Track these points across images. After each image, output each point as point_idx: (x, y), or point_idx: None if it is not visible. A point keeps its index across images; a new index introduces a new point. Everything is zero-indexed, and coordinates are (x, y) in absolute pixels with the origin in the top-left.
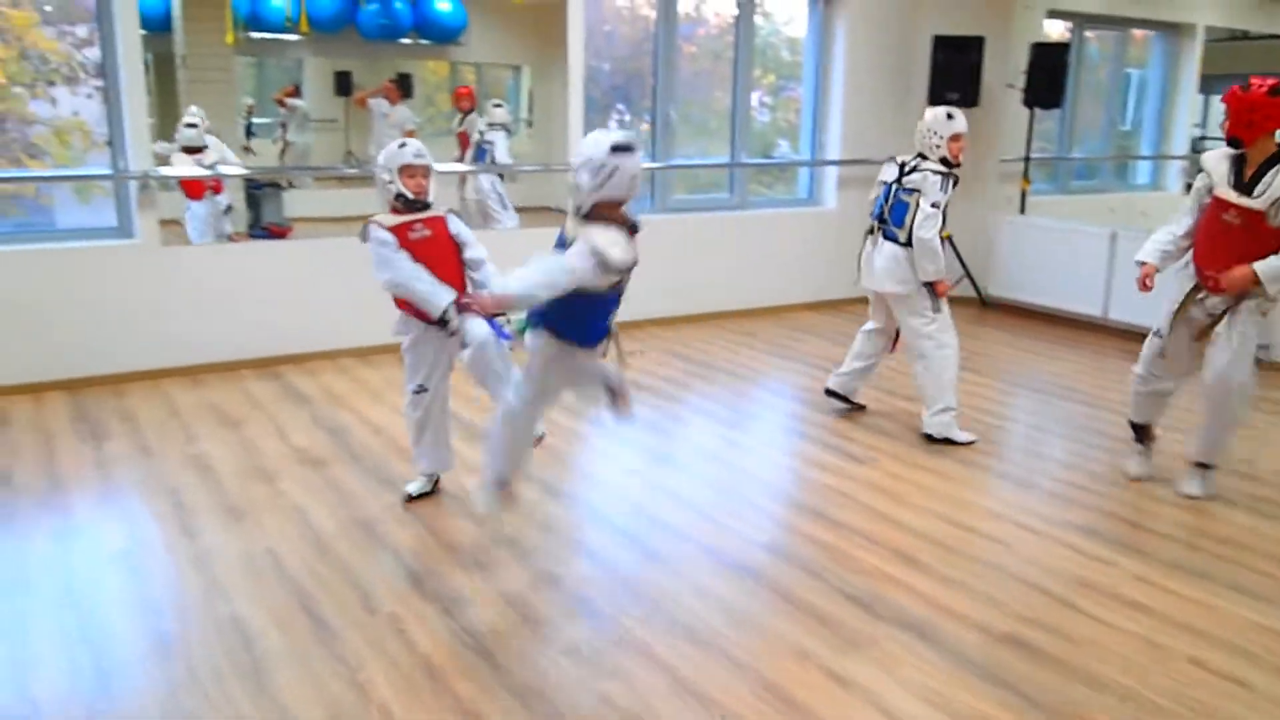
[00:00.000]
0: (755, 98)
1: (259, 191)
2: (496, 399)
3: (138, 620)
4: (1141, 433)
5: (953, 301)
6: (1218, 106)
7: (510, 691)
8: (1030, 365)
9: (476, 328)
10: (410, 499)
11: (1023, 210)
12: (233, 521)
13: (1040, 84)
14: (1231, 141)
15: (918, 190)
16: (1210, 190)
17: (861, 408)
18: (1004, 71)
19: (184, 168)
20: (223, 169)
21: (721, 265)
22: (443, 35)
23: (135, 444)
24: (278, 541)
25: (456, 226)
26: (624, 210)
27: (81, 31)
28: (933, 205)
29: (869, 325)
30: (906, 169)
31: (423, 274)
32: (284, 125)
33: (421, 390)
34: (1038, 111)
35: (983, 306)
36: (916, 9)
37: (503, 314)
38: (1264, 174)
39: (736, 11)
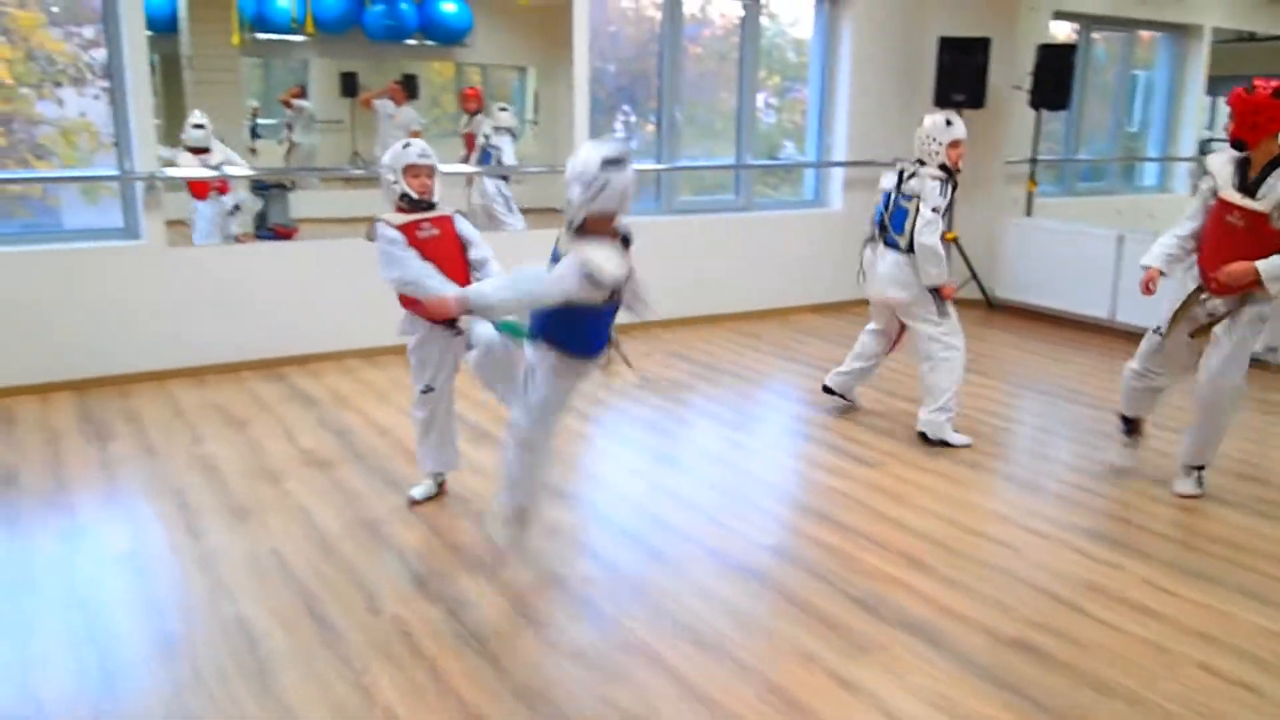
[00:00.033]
0: (761, 99)
1: (265, 192)
2: (503, 401)
3: (143, 620)
4: (1131, 425)
5: (959, 303)
6: (1225, 108)
7: (514, 694)
8: (1037, 367)
9: (483, 329)
10: (414, 503)
11: (1029, 212)
12: (238, 522)
13: (1047, 85)
14: (1236, 144)
15: (917, 196)
16: (1215, 193)
17: (855, 406)
18: (1010, 73)
19: (189, 168)
20: (228, 169)
21: (726, 267)
22: (448, 36)
23: (141, 444)
24: (283, 542)
25: (463, 226)
26: (616, 223)
27: (88, 32)
28: (933, 210)
29: (871, 325)
30: (905, 176)
31: (433, 272)
32: (289, 126)
33: (428, 390)
34: (1044, 113)
35: (989, 308)
36: (922, 10)
37: (455, 321)
38: (1267, 176)
39: (742, 13)
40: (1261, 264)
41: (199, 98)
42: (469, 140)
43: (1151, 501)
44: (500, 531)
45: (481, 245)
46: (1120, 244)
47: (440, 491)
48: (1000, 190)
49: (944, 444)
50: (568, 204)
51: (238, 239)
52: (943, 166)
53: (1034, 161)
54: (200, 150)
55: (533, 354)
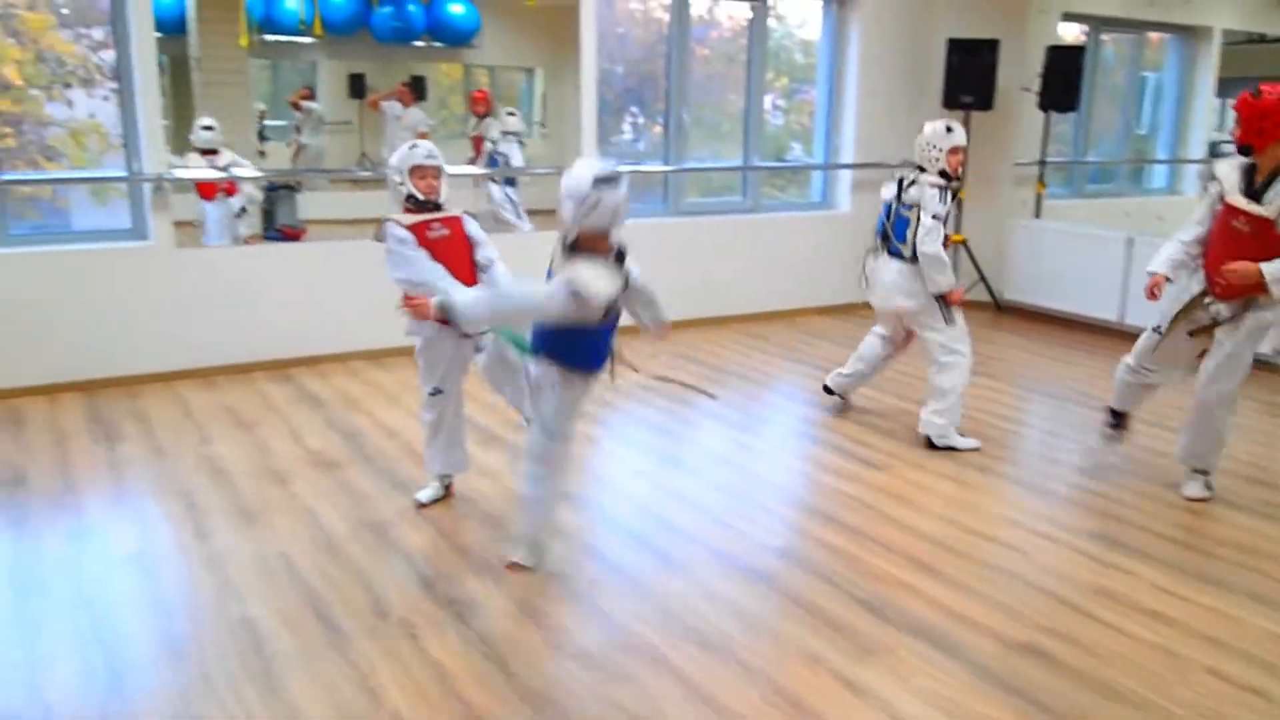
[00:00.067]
0: (768, 100)
1: (273, 194)
2: (511, 405)
3: (150, 621)
4: (1118, 419)
5: (968, 306)
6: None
7: (521, 698)
8: (1046, 370)
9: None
10: (421, 506)
11: (1038, 214)
12: (245, 524)
13: (1056, 87)
14: (1243, 149)
15: (918, 205)
16: (1222, 198)
17: (850, 406)
18: (1019, 75)
19: (197, 169)
20: (236, 170)
21: (734, 268)
22: (456, 38)
23: (149, 445)
24: (290, 544)
25: (472, 227)
26: (610, 239)
27: (97, 34)
28: (933, 217)
29: (878, 328)
30: (905, 184)
31: (443, 273)
32: (298, 128)
33: (436, 393)
34: (1053, 115)
35: (998, 311)
36: (931, 12)
37: (417, 327)
38: (1274, 181)
39: (750, 14)
40: (1266, 266)
41: (207, 99)
42: (477, 143)
43: (1160, 505)
44: (525, 554)
45: (488, 247)
46: (1129, 246)
47: (447, 494)
48: (1009, 192)
49: (951, 450)
50: (560, 221)
51: (246, 240)
52: (942, 173)
53: (1043, 163)
54: (209, 152)
55: (536, 369)
